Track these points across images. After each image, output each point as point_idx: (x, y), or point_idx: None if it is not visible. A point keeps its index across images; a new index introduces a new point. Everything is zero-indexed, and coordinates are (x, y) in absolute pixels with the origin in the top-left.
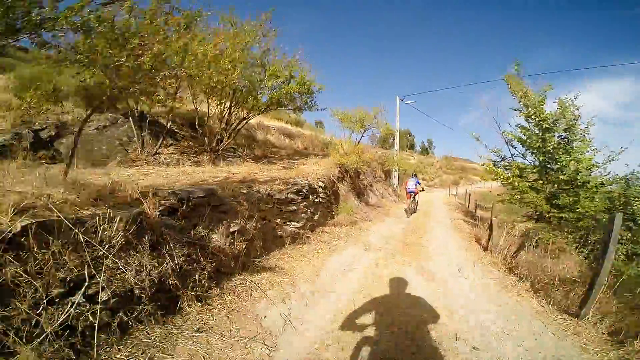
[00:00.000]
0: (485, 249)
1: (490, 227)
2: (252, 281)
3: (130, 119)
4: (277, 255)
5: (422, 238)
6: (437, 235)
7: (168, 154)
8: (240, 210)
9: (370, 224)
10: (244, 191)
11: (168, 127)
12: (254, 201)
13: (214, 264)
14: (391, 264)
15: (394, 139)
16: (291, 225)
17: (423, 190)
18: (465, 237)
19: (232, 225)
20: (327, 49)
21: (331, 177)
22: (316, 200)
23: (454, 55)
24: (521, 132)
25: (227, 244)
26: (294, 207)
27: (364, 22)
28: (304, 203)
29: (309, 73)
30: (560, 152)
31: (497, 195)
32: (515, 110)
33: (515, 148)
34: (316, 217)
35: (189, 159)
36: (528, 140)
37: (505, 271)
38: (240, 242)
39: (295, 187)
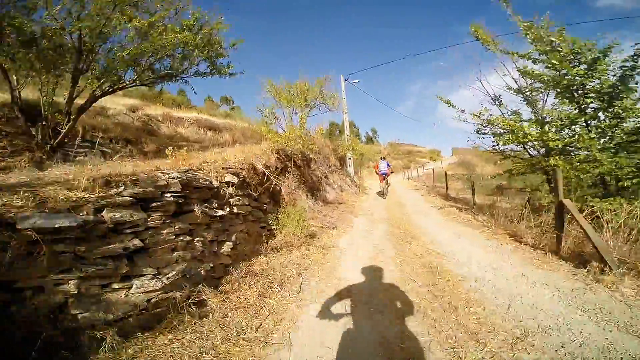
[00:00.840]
0: (558, 253)
1: (561, 218)
2: None
3: None
4: None
5: (442, 256)
6: (449, 242)
7: None
8: None
9: (335, 234)
10: None
11: None
12: None
13: None
14: None
15: (342, 125)
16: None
17: (393, 172)
18: (500, 238)
19: None
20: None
21: (260, 166)
22: (223, 212)
23: (401, 27)
24: (547, 64)
25: None
26: (130, 243)
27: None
28: (179, 225)
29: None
30: (624, 90)
31: (499, 173)
32: (506, 55)
33: (504, 107)
34: (225, 248)
35: None
36: (562, 77)
37: None
38: None
39: (149, 189)
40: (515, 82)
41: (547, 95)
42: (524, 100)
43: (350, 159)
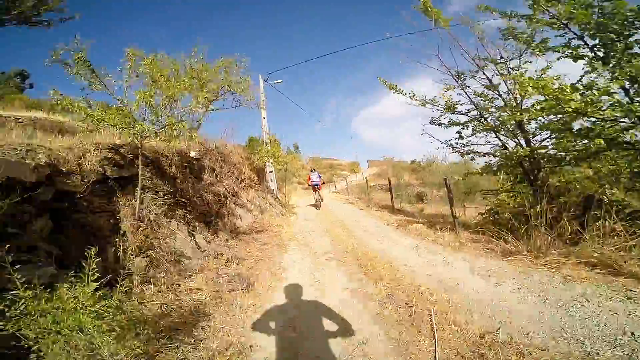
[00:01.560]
0: None
1: None
2: None
3: None
4: None
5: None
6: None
7: None
8: None
9: (248, 307)
10: None
11: None
12: None
13: None
14: None
15: (262, 130)
16: None
17: (324, 183)
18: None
19: None
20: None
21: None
22: None
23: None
24: None
25: None
26: None
27: None
28: None
29: None
30: None
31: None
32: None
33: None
34: None
35: None
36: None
37: None
38: None
39: None
40: (485, 49)
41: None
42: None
43: (272, 172)
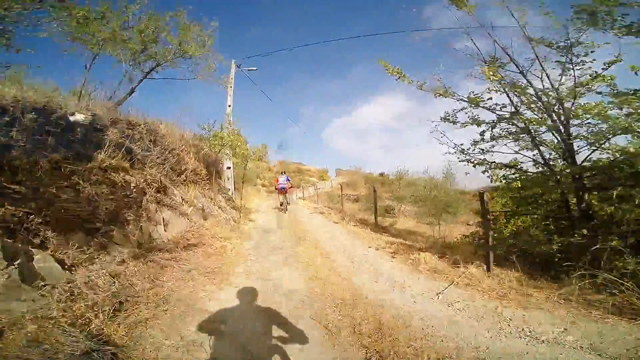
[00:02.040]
0: None
1: None
2: None
3: None
4: None
5: None
6: None
7: None
8: None
9: None
10: None
11: None
12: None
13: None
14: None
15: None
16: None
17: (292, 187)
18: None
19: None
20: None
21: None
22: None
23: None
24: None
25: None
26: None
27: None
28: None
29: None
30: None
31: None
32: None
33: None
34: None
35: None
36: None
37: None
38: None
39: None
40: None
41: None
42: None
43: (229, 168)
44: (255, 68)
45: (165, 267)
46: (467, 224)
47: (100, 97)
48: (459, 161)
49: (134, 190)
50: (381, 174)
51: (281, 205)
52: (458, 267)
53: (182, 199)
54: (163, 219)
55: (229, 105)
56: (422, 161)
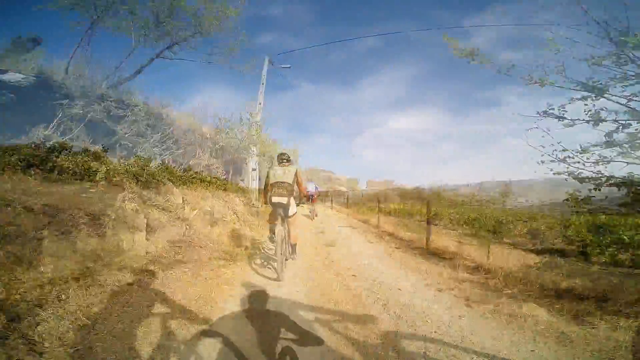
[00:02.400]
0: None
1: None
2: None
3: None
4: None
5: None
6: None
7: None
8: None
9: None
10: None
11: None
12: None
13: None
14: None
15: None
16: None
17: (320, 195)
18: None
19: None
20: None
21: None
22: None
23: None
24: None
25: None
26: None
27: None
28: None
29: None
30: None
31: None
32: None
33: None
34: None
35: None
36: None
37: None
38: None
39: None
40: None
41: None
42: None
43: (255, 170)
44: (289, 65)
45: (115, 297)
46: (514, 247)
47: (97, 75)
48: (553, 174)
49: (100, 182)
50: (416, 188)
51: (309, 212)
52: (593, 327)
53: (184, 200)
54: (147, 223)
55: (259, 103)
56: (452, 175)
